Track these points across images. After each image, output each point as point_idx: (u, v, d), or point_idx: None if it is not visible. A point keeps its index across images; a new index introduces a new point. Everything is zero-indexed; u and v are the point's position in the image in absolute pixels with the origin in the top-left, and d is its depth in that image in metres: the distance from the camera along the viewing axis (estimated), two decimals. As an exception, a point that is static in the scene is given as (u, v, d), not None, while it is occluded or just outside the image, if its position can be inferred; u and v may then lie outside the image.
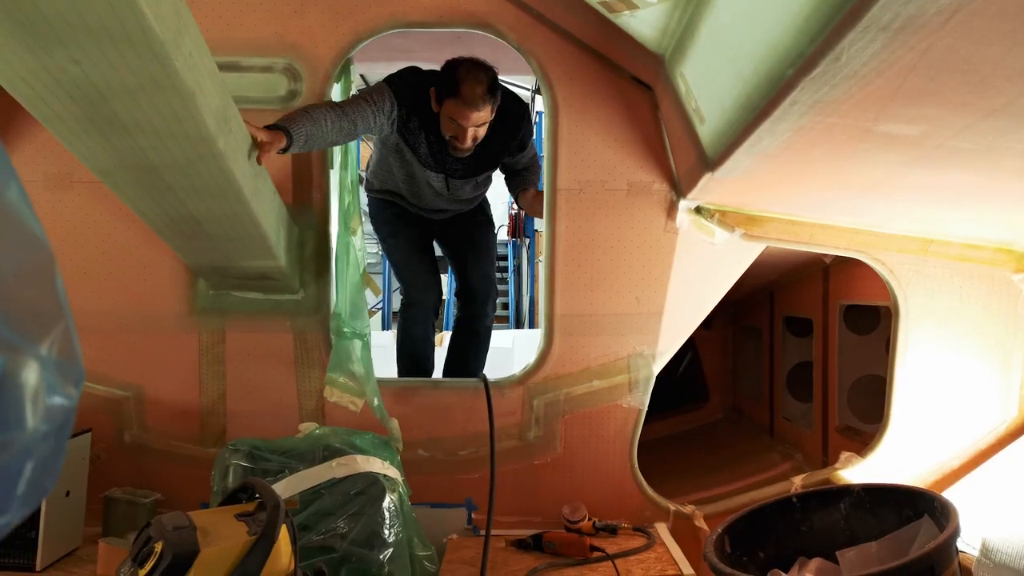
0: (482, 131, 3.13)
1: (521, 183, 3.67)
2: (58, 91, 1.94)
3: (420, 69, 3.32)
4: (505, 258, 13.24)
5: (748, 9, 2.04)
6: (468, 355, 3.88)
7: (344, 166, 3.35)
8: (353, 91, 3.43)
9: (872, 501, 2.62)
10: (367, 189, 3.84)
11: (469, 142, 3.14)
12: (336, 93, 3.36)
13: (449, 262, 4.05)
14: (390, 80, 3.22)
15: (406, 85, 3.20)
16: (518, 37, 3.28)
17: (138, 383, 3.39)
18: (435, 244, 3.98)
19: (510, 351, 5.97)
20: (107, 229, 3.31)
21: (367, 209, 3.82)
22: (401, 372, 3.84)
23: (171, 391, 3.40)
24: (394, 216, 3.73)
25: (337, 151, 3.37)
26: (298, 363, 3.41)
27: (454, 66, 3.08)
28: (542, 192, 3.40)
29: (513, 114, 3.37)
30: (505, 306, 13.75)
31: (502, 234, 12.36)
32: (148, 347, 3.37)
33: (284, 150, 2.65)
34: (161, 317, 3.37)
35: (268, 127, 2.60)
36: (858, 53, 1.62)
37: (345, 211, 3.25)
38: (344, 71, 3.36)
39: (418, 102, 3.20)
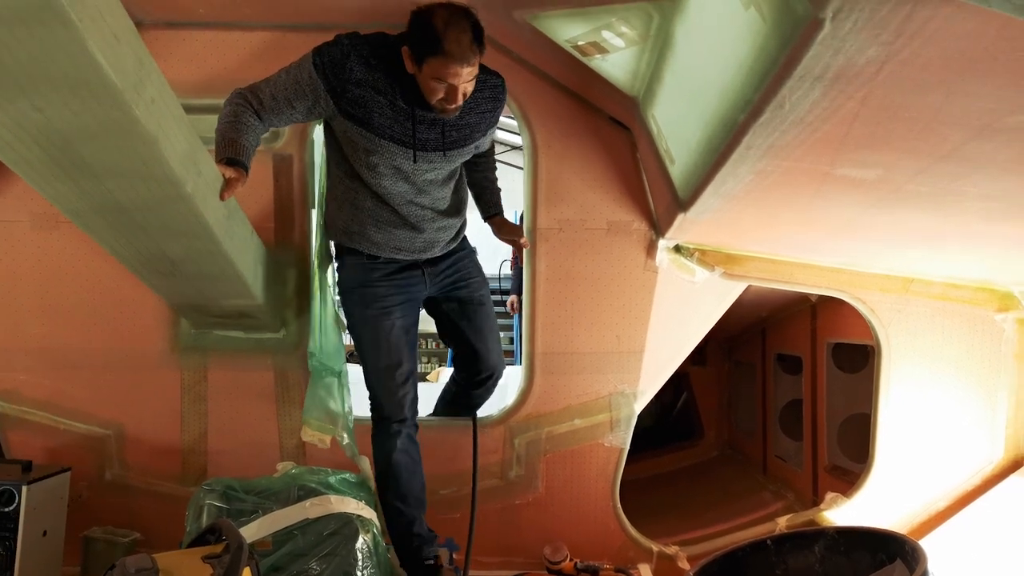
0: (471, 86, 2.57)
1: (487, 203, 3.22)
2: (24, 136, 1.97)
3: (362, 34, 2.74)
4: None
5: (703, 55, 2.07)
6: (471, 406, 3.42)
7: (319, 205, 3.38)
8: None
9: (846, 544, 2.59)
10: (331, 240, 3.16)
11: (460, 98, 2.57)
12: (318, 132, 3.41)
13: (449, 338, 3.33)
14: (317, 50, 2.65)
15: (339, 51, 2.62)
16: (497, 79, 3.31)
17: (119, 421, 3.40)
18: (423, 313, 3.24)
19: (504, 386, 5.94)
20: (92, 267, 3.34)
21: (335, 274, 3.20)
22: (388, 504, 3.04)
23: (152, 429, 3.41)
24: (365, 287, 2.99)
25: (315, 189, 3.39)
26: (279, 401, 3.42)
27: (428, 16, 2.47)
28: (504, 218, 3.20)
29: (491, 84, 2.81)
30: (511, 340, 13.72)
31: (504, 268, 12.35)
32: (130, 385, 3.39)
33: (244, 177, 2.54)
34: (144, 355, 3.39)
35: (227, 161, 2.54)
36: (800, 101, 1.63)
37: (319, 248, 3.27)
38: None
39: (362, 60, 2.63)
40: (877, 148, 1.86)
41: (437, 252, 3.04)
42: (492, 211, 3.20)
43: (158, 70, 2.03)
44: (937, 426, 3.36)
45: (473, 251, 3.27)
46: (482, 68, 2.65)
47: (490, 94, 2.81)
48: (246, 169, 2.53)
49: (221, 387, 3.41)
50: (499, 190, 3.24)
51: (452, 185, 2.97)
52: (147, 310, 3.36)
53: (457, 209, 3.04)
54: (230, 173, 2.46)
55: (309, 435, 3.14)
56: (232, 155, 2.52)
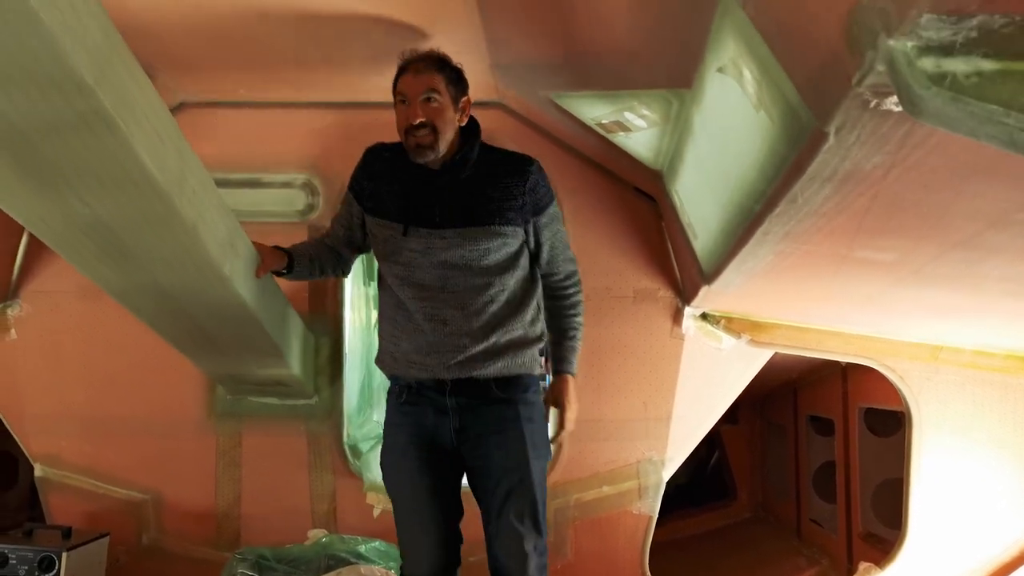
0: (437, 111, 2.25)
1: (554, 355, 2.53)
2: (71, 227, 2.09)
3: None
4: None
5: (719, 144, 2.13)
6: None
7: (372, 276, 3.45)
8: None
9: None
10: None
11: (419, 115, 2.24)
12: (352, 206, 3.51)
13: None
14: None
15: (364, 156, 2.55)
16: (523, 151, 3.40)
17: (157, 486, 3.49)
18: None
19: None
20: (133, 336, 3.45)
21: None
22: None
23: (188, 494, 3.49)
24: (388, 421, 2.48)
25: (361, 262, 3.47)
26: (311, 467, 3.48)
27: None
28: (568, 379, 2.48)
29: (516, 159, 2.43)
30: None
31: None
32: (168, 450, 3.48)
33: (288, 270, 2.58)
34: (181, 421, 3.48)
35: (275, 248, 2.64)
36: (812, 197, 1.68)
37: (376, 321, 3.32)
38: (360, 184, 3.52)
39: (377, 155, 2.52)
40: (892, 235, 1.90)
41: (463, 369, 2.32)
42: (556, 366, 2.51)
43: (199, 162, 2.15)
44: (971, 496, 3.31)
45: (535, 420, 2.38)
46: (512, 153, 2.45)
47: (514, 168, 2.38)
48: (290, 259, 2.54)
49: (255, 453, 3.48)
50: (573, 347, 2.50)
51: (493, 294, 2.34)
52: (185, 377, 3.45)
53: (501, 325, 2.34)
54: (265, 253, 2.55)
55: (372, 498, 3.21)
56: (279, 245, 2.61)
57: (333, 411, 3.46)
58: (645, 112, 2.58)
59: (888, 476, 3.97)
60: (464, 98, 2.34)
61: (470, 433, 2.34)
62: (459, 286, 2.34)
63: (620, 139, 2.90)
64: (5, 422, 3.53)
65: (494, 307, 2.35)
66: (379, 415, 3.67)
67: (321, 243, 2.65)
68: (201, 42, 2.89)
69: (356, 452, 3.56)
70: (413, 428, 2.38)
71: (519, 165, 2.39)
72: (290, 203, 3.46)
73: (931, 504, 3.33)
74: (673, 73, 2.32)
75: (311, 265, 2.63)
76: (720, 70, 1.92)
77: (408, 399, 2.40)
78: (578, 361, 2.51)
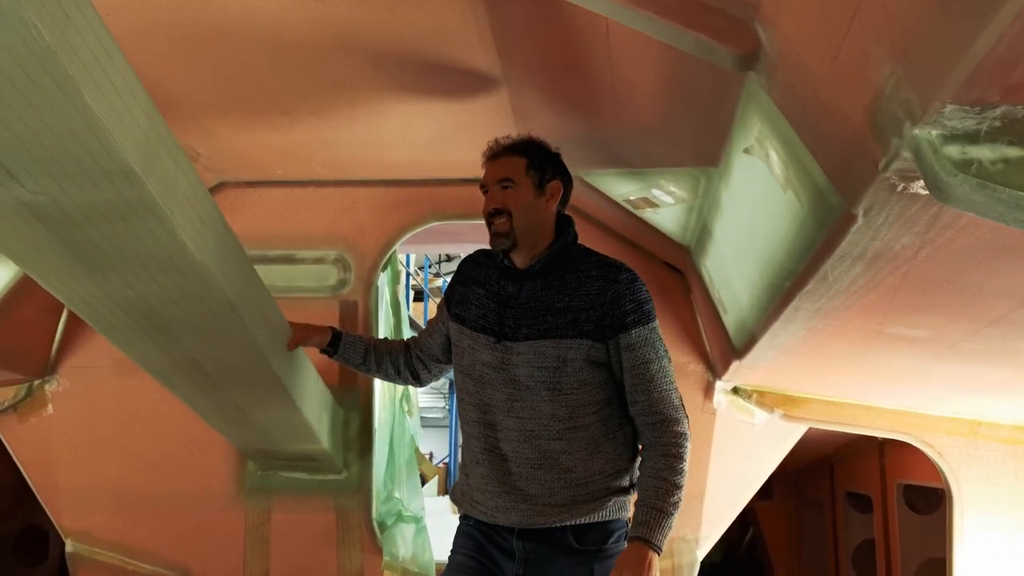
0: (513, 196, 2.07)
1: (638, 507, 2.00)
2: (114, 308, 2.14)
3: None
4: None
5: (748, 222, 2.15)
6: None
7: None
8: (402, 280, 3.61)
9: None
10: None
11: (496, 202, 2.08)
12: (383, 280, 3.57)
13: None
14: None
15: (460, 263, 2.39)
16: (554, 227, 3.46)
17: (186, 562, 3.47)
18: None
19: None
20: (166, 411, 3.49)
21: None
22: None
23: (217, 570, 3.47)
24: (468, 539, 2.16)
25: (379, 334, 3.51)
26: (339, 543, 3.45)
27: None
28: (642, 549, 1.90)
29: (606, 263, 2.10)
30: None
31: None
32: (197, 526, 3.48)
33: (333, 349, 2.49)
34: (211, 496, 3.48)
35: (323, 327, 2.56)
36: (842, 275, 1.69)
37: (403, 394, 3.35)
38: (390, 259, 3.58)
39: (471, 260, 2.32)
40: (925, 312, 1.89)
41: (524, 517, 2.03)
42: (632, 530, 1.97)
43: (237, 242, 2.21)
44: (1018, 577, 3.20)
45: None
46: (604, 258, 2.13)
47: (599, 274, 2.06)
48: (336, 338, 2.48)
49: (284, 528, 3.46)
50: (659, 507, 1.95)
51: (563, 429, 2.03)
52: (216, 452, 3.47)
53: (571, 469, 2.02)
54: (296, 328, 2.59)
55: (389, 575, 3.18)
56: (333, 325, 2.56)
57: (362, 486, 3.44)
58: (673, 189, 2.62)
59: (931, 555, 3.85)
60: (552, 182, 2.10)
61: None
62: (526, 412, 2.03)
63: (648, 215, 2.94)
64: (39, 497, 3.55)
65: (565, 444, 2.01)
66: (401, 492, 3.63)
67: (395, 341, 2.55)
68: (240, 124, 2.99)
69: (382, 527, 3.53)
70: (475, 561, 2.11)
71: (605, 270, 2.06)
72: (322, 279, 3.52)
73: (976, 586, 3.22)
74: (700, 152, 2.36)
75: (365, 354, 2.46)
76: (747, 150, 1.96)
77: (476, 525, 2.14)
78: (667, 534, 1.94)
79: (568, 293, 2.05)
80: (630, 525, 2.00)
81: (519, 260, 2.11)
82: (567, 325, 2.02)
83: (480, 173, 2.17)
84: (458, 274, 2.32)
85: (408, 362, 2.42)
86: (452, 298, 2.28)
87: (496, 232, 2.09)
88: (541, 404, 2.02)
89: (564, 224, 2.13)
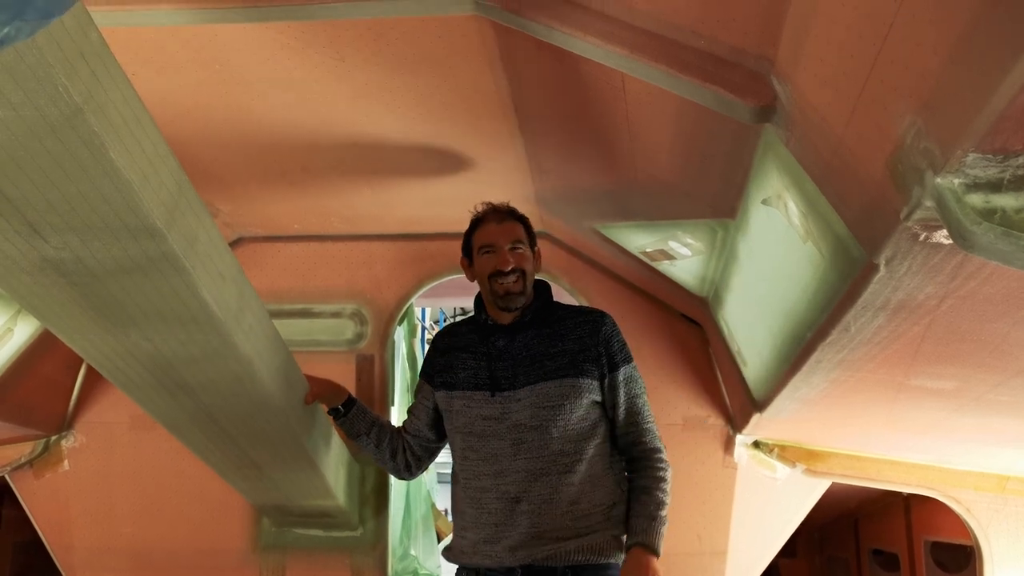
0: (524, 258, 2.28)
1: (632, 517, 2.21)
2: (132, 362, 2.15)
3: None
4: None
5: (767, 273, 2.14)
6: None
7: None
8: (418, 334, 3.62)
9: None
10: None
11: (511, 262, 2.25)
12: (399, 334, 3.57)
13: None
14: None
15: (433, 339, 2.59)
16: (570, 280, 3.46)
17: (199, 622, 3.42)
18: None
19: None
20: (182, 467, 3.47)
21: None
22: None
23: (230, 631, 3.41)
24: None
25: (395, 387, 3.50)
26: (355, 602, 3.39)
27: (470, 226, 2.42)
28: (642, 554, 2.11)
29: (588, 311, 2.44)
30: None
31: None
32: (211, 584, 3.43)
33: (345, 411, 2.51)
34: (226, 554, 3.44)
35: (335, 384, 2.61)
36: (865, 326, 1.67)
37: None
38: (406, 312, 3.59)
39: (446, 332, 2.55)
40: (949, 363, 1.87)
41: (532, 552, 2.16)
42: (629, 539, 2.19)
43: (257, 298, 2.22)
44: (1055, 639, 3.09)
45: None
46: (584, 307, 2.48)
47: (586, 319, 2.32)
48: (350, 401, 2.52)
49: (298, 588, 3.41)
50: (652, 515, 2.17)
51: (570, 463, 2.19)
52: (232, 509, 3.44)
53: (578, 501, 2.17)
54: (314, 383, 2.58)
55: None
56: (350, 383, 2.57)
57: (378, 543, 3.40)
58: (690, 241, 2.62)
59: (962, 615, 3.73)
60: (537, 248, 2.37)
61: None
62: (533, 452, 2.18)
63: (665, 267, 2.93)
64: (53, 556, 3.52)
65: (572, 477, 2.17)
66: (417, 549, 3.59)
67: (393, 426, 2.57)
68: (259, 181, 3.04)
69: (399, 586, 3.48)
70: None
71: (590, 316, 2.34)
72: (340, 332, 3.52)
73: (1011, 648, 3.11)
74: (717, 204, 2.37)
75: (370, 428, 2.51)
76: (765, 202, 1.96)
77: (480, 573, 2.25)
78: (661, 540, 2.13)
79: (561, 339, 2.28)
80: (625, 539, 2.19)
81: (504, 317, 2.31)
82: (566, 366, 2.24)
83: None
84: (434, 348, 2.50)
85: (404, 447, 2.51)
86: (433, 371, 2.44)
87: (509, 291, 2.27)
88: (548, 442, 2.19)
89: (538, 282, 2.38)
